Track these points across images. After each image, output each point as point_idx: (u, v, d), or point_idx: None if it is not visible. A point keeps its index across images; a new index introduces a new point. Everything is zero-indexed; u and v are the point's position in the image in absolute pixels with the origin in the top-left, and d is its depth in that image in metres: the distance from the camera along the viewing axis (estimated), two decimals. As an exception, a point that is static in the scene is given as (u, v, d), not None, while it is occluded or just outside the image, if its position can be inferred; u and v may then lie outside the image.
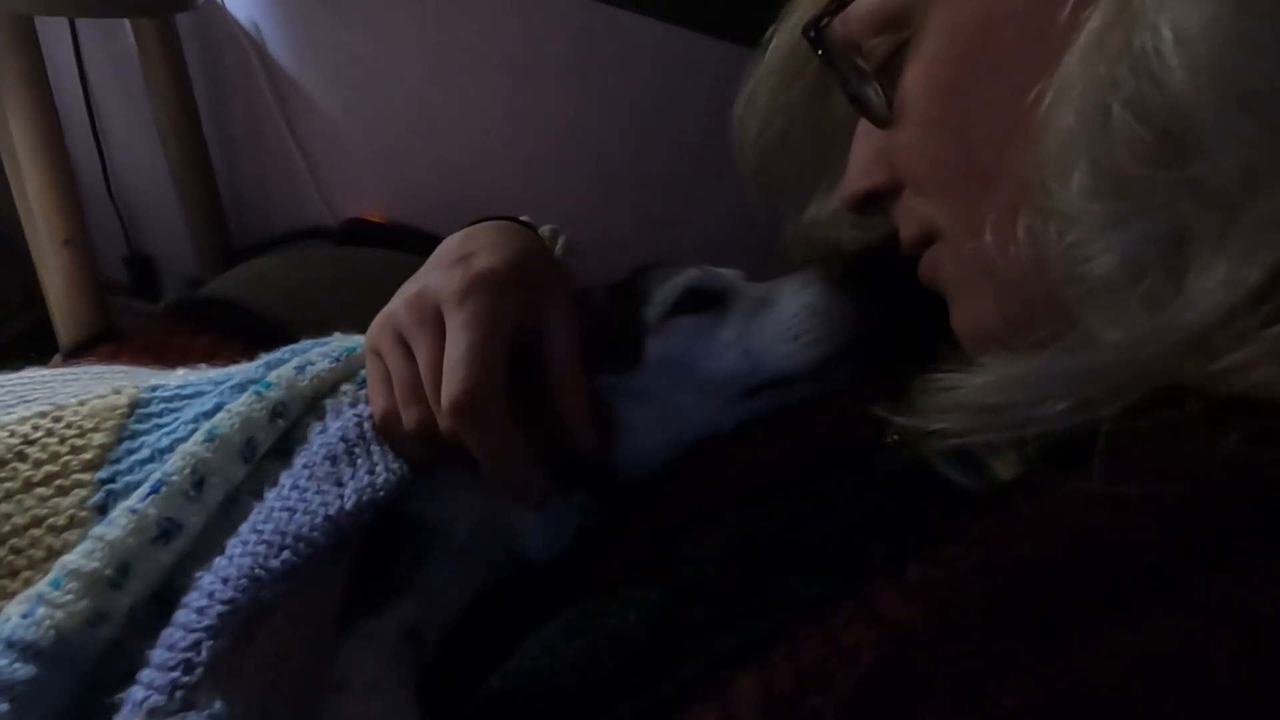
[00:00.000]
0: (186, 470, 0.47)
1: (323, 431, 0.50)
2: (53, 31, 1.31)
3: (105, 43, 1.42)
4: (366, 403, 0.52)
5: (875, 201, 0.47)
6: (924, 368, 0.38)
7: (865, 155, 0.47)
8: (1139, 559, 0.29)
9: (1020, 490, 0.35)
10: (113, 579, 0.43)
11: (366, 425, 0.50)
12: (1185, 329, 0.32)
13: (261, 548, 0.40)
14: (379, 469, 0.47)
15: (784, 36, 0.56)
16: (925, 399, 0.37)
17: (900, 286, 0.48)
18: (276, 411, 0.51)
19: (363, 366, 0.55)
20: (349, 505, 0.44)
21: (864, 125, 0.47)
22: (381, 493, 0.46)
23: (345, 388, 0.55)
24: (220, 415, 0.50)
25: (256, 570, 0.39)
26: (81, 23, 1.38)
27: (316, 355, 0.56)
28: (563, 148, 1.49)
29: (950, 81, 0.40)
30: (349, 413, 0.52)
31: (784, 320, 0.51)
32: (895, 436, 0.39)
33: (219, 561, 0.40)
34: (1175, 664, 0.26)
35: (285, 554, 0.40)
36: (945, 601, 0.31)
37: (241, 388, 0.54)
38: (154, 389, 0.57)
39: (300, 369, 0.54)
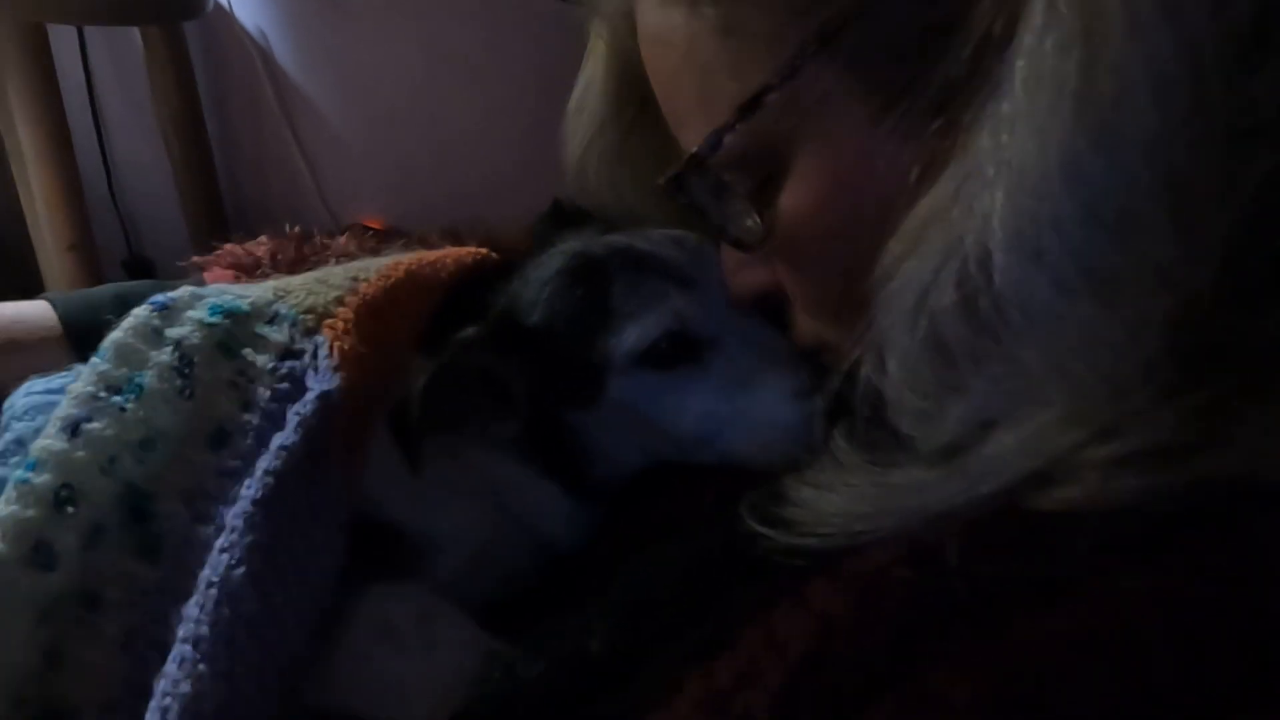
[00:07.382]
0: None
1: (223, 549, 0.39)
2: (59, 37, 1.30)
3: (110, 48, 1.42)
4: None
5: (769, 298, 0.49)
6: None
7: (735, 262, 0.49)
8: (1063, 550, 0.31)
9: None
10: None
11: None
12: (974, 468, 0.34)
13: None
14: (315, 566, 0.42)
15: (597, 76, 0.57)
16: (787, 508, 0.39)
17: None
18: (62, 499, 0.40)
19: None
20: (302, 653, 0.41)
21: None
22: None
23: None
24: None
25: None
26: (88, 29, 1.38)
27: (79, 406, 0.43)
28: (563, 151, 1.50)
29: (818, 225, 0.41)
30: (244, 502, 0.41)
31: (759, 422, 0.50)
32: None
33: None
34: (1107, 646, 0.29)
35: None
36: (867, 589, 0.33)
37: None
38: None
39: (69, 430, 0.41)
